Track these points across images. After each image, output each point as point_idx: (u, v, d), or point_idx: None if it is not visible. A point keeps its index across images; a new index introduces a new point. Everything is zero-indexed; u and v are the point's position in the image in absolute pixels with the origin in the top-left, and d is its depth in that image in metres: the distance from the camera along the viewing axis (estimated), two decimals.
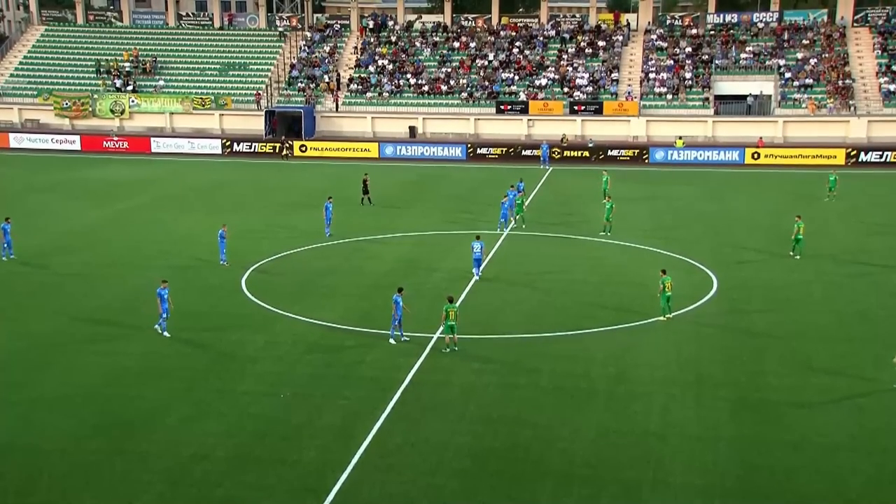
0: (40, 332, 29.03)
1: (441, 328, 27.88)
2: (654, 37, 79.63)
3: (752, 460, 20.52)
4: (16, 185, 57.29)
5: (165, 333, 28.37)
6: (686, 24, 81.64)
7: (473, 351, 27.52)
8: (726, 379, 25.17)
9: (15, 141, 74.85)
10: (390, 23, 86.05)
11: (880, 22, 77.08)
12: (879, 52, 73.75)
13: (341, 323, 29.68)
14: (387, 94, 78.10)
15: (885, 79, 71.02)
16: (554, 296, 33.29)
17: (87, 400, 23.63)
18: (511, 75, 78.00)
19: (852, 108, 69.70)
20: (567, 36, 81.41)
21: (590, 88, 75.39)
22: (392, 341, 27.81)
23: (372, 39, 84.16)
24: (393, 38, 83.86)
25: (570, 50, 79.78)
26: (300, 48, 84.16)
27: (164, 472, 19.81)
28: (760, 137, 68.03)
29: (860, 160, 63.83)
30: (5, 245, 37.72)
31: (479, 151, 69.66)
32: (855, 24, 77.34)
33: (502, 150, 69.37)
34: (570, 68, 77.72)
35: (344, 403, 23.54)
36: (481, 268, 35.32)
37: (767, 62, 74.60)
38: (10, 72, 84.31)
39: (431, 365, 26.34)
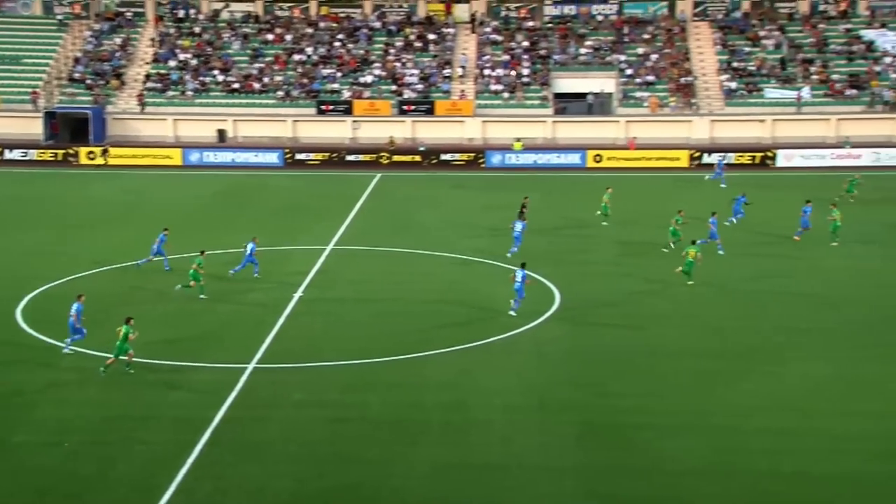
0: None
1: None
2: (488, 30, 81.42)
3: (600, 489, 21.16)
4: None
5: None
6: (522, 16, 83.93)
7: (295, 382, 27.26)
8: (572, 403, 25.86)
9: None
10: (192, 12, 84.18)
11: (720, 16, 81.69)
12: (720, 47, 78.15)
13: (140, 356, 28.58)
14: (191, 93, 76.31)
15: (726, 76, 75.30)
16: (384, 317, 33.35)
17: None
18: (332, 72, 77.84)
19: (694, 107, 73.53)
20: (394, 28, 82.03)
21: (420, 86, 76.24)
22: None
23: (172, 30, 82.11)
24: (196, 30, 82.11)
25: (397, 44, 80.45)
26: (85, 39, 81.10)
27: None
28: (634, 137, 69.90)
29: (703, 162, 67.14)
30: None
31: (297, 157, 69.09)
32: (695, 19, 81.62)
33: (325, 156, 69.06)
34: (397, 64, 78.33)
35: (142, 449, 22.78)
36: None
37: (608, 58, 77.68)
38: None
39: (246, 400, 25.86)
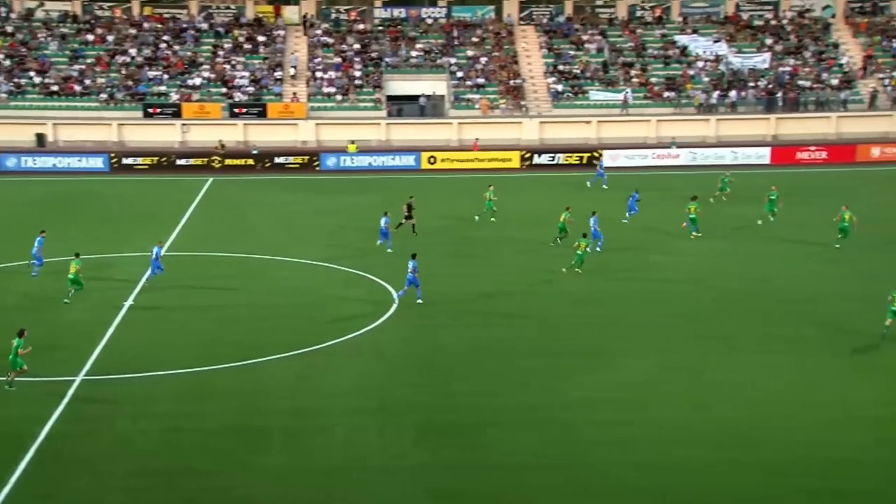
0: None
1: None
2: (319, 32, 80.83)
3: (440, 487, 21.31)
4: None
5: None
6: (352, 18, 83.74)
7: (127, 394, 26.37)
8: (412, 403, 25.96)
9: None
10: (3, 10, 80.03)
11: (545, 20, 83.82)
12: (546, 51, 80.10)
13: None
14: (5, 96, 72.61)
15: (553, 79, 77.25)
16: (219, 323, 32.70)
17: None
18: (159, 74, 75.61)
19: (524, 109, 75.11)
20: (222, 30, 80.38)
21: (251, 89, 74.96)
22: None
23: None
24: (9, 29, 78.22)
25: (226, 45, 78.86)
26: None
27: None
28: (476, 139, 70.53)
29: (534, 163, 68.75)
30: None
31: (124, 162, 66.76)
32: (521, 23, 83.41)
33: (153, 160, 66.99)
34: (227, 66, 76.79)
35: None
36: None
37: (438, 60, 78.41)
38: None
39: (74, 414, 24.88)
